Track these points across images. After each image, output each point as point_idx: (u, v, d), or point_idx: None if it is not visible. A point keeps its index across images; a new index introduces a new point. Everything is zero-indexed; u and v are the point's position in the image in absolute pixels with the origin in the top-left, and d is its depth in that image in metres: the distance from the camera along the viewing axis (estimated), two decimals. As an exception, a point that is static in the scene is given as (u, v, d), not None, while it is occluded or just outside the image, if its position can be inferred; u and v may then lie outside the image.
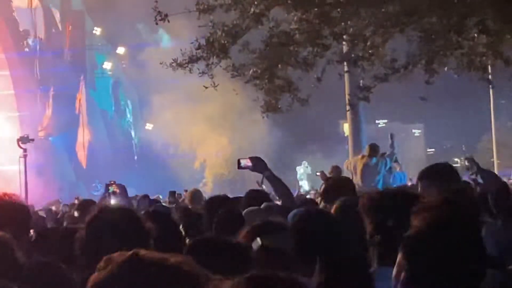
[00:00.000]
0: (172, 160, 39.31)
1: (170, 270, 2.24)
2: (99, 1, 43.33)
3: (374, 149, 16.29)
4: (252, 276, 2.28)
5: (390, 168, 16.15)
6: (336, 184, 7.95)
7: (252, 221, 5.36)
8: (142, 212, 6.13)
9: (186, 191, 17.07)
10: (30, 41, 42.58)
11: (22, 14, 42.32)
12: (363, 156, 16.58)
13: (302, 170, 23.76)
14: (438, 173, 6.23)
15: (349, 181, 9.31)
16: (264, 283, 2.27)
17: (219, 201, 6.87)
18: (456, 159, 17.04)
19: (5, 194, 5.20)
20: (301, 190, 18.61)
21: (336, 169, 15.96)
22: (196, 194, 11.53)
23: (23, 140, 17.98)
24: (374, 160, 15.98)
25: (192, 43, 14.30)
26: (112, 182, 9.02)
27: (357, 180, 15.61)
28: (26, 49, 42.52)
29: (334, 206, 5.15)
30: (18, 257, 3.55)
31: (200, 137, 37.94)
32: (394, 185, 13.85)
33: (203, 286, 2.18)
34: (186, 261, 2.30)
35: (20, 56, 41.26)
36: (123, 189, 9.24)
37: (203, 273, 2.30)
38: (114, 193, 9.14)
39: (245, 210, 6.35)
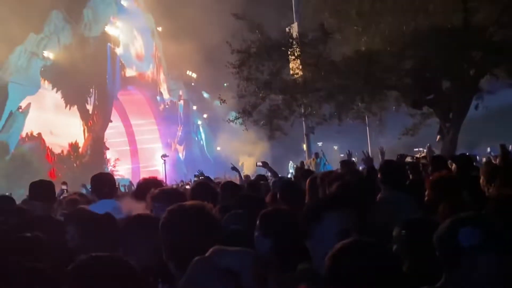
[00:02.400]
0: (228, 162, 43.92)
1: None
2: (195, 95, 50.12)
3: (317, 155, 19.51)
4: None
5: (324, 164, 18.61)
6: (303, 173, 9.00)
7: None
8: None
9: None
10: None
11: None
12: (313, 159, 19.45)
13: (289, 165, 25.27)
14: (346, 164, 7.93)
15: (310, 171, 10.86)
16: None
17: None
18: (353, 159, 17.77)
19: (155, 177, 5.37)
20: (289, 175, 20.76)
21: (302, 164, 17.67)
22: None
23: (163, 155, 19.66)
24: (318, 160, 18.93)
25: (237, 111, 16.36)
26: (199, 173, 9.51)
27: (312, 169, 16.76)
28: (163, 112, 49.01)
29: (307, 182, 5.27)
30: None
31: (241, 152, 41.46)
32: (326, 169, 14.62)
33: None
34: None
35: (160, 119, 48.03)
36: (204, 176, 9.18)
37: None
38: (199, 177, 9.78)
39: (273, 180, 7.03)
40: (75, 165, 37.82)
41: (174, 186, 16.03)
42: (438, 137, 14.68)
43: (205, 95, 50.88)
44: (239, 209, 3.80)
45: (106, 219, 3.18)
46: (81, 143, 39.49)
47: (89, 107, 40.68)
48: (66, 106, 38.92)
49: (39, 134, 36.45)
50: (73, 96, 39.51)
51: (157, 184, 4.40)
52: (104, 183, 4.68)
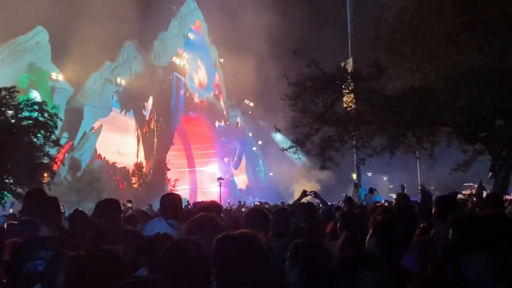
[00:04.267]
0: (280, 187, 44.04)
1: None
2: (251, 122, 50.42)
3: (356, 186, 19.10)
4: None
5: (366, 194, 17.50)
6: (351, 201, 9.73)
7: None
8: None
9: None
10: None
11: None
12: (354, 190, 18.86)
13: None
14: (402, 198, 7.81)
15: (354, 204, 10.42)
16: None
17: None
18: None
19: (214, 201, 5.57)
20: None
21: (349, 197, 17.76)
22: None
23: (219, 178, 19.27)
24: (358, 191, 18.49)
25: (291, 140, 15.98)
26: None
27: (355, 199, 15.78)
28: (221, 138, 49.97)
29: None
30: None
31: (293, 178, 41.73)
32: (375, 200, 16.20)
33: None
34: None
35: (218, 142, 49.16)
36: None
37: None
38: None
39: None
40: (138, 183, 38.81)
41: (232, 208, 16.31)
42: (490, 174, 13.97)
43: (261, 123, 51.68)
44: (290, 236, 3.78)
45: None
46: (144, 162, 40.64)
47: (145, 113, 41.86)
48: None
49: (108, 153, 37.80)
50: (138, 118, 40.76)
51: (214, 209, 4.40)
52: (168, 204, 4.70)
